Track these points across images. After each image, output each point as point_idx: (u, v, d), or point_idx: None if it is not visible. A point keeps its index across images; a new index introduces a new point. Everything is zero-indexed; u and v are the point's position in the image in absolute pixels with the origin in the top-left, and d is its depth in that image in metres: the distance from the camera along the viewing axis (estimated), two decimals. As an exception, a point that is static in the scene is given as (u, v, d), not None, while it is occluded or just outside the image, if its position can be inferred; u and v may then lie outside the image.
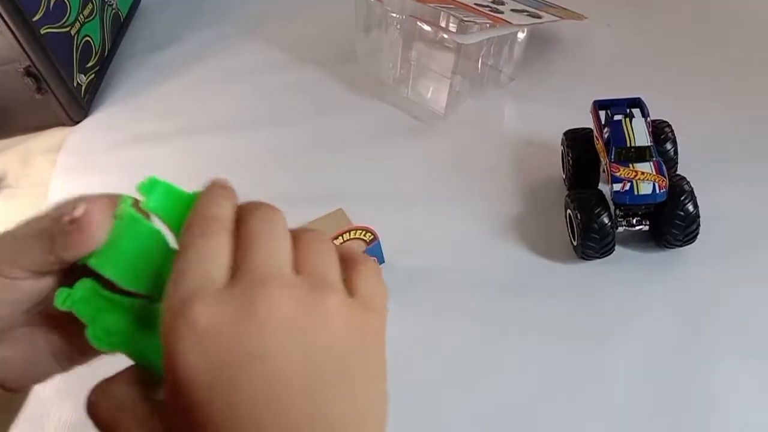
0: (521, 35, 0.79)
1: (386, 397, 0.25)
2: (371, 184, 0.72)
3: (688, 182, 0.57)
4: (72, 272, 0.27)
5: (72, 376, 0.31)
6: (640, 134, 0.58)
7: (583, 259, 0.60)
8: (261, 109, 0.85)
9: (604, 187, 0.61)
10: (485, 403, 0.52)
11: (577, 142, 0.64)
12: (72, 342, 0.29)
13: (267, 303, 0.22)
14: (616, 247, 0.59)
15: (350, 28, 0.88)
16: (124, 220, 0.26)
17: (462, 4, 0.75)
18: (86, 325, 0.26)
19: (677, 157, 0.63)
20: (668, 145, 0.63)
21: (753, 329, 0.54)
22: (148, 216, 0.27)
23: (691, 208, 0.56)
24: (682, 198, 0.56)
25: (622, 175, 0.57)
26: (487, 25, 0.72)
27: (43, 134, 0.86)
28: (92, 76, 0.89)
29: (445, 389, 0.53)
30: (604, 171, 0.62)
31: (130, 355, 0.26)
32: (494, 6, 0.77)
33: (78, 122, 0.87)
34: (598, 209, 0.57)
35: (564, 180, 0.68)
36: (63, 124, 0.87)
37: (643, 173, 0.56)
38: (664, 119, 0.64)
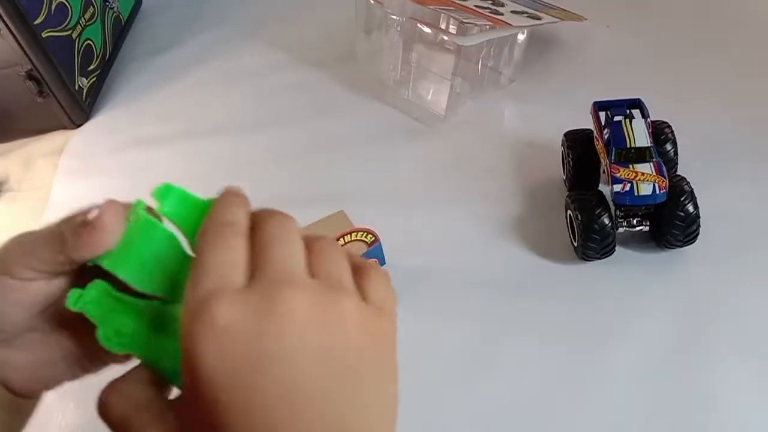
0: (521, 37, 0.80)
1: (397, 400, 0.25)
2: (372, 186, 0.72)
3: (688, 183, 0.58)
4: (83, 275, 0.28)
5: (75, 378, 0.31)
6: (640, 135, 0.58)
7: (584, 259, 0.60)
8: (262, 111, 0.85)
9: (604, 188, 0.61)
10: (485, 403, 0.52)
11: (577, 143, 0.64)
12: (83, 349, 0.30)
13: (285, 303, 0.23)
14: (617, 248, 0.59)
15: (350, 29, 0.88)
16: (139, 223, 0.27)
17: (462, 5, 0.76)
18: (96, 326, 0.26)
19: (677, 158, 0.63)
20: (668, 146, 0.63)
21: (753, 329, 0.54)
22: (161, 220, 0.28)
23: (691, 208, 0.56)
24: (682, 198, 0.56)
25: (623, 176, 0.57)
26: (487, 26, 0.72)
27: (44, 137, 0.87)
28: (93, 79, 0.90)
29: (445, 389, 0.53)
30: (604, 172, 0.62)
31: (139, 356, 0.27)
32: (494, 8, 0.78)
33: (80, 125, 0.87)
34: (599, 210, 0.57)
35: (564, 181, 0.68)
36: (65, 128, 0.87)
37: (643, 174, 0.57)
38: (664, 120, 0.65)
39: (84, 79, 0.87)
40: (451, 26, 0.76)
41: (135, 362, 0.27)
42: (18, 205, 0.78)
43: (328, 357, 0.23)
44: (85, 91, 0.87)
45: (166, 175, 0.86)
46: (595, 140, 0.63)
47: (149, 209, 0.28)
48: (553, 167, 0.69)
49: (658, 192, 0.56)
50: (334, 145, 0.79)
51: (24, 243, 0.27)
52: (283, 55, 0.94)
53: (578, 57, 0.86)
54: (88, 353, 0.30)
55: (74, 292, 0.27)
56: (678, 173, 0.61)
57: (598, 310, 0.57)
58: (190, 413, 0.23)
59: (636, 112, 0.62)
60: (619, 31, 0.88)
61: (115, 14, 0.97)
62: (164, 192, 0.27)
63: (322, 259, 0.26)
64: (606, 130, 0.60)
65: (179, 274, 0.26)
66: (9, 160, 0.84)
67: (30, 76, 0.80)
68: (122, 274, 0.26)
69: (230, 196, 0.27)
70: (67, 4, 0.83)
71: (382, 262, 0.63)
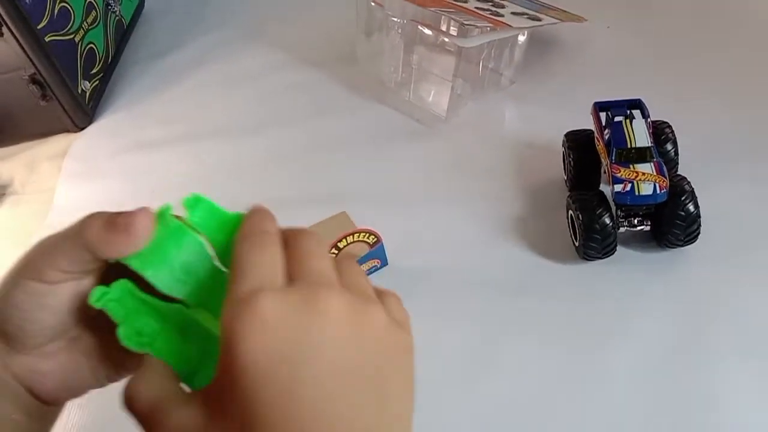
0: (521, 38, 0.80)
1: (412, 413, 0.26)
2: (373, 186, 0.73)
3: (688, 182, 0.58)
4: (108, 278, 0.28)
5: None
6: (640, 135, 0.59)
7: (585, 259, 0.60)
8: (263, 113, 0.86)
9: (605, 188, 0.61)
10: (485, 403, 0.52)
11: (577, 143, 0.64)
12: (107, 356, 0.30)
13: (325, 303, 0.24)
14: (618, 248, 0.59)
15: (351, 31, 0.88)
16: (170, 228, 0.27)
17: (462, 7, 0.76)
18: (118, 325, 0.27)
19: (678, 158, 0.64)
20: (669, 146, 0.63)
21: (753, 329, 0.54)
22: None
23: (691, 208, 0.56)
24: (683, 198, 0.56)
25: (623, 176, 0.57)
26: (488, 28, 0.72)
27: (48, 141, 0.87)
28: (96, 82, 0.90)
29: (445, 389, 0.53)
30: (605, 172, 0.62)
31: (157, 356, 0.27)
32: (494, 9, 0.78)
33: (83, 129, 0.88)
34: (600, 210, 0.57)
35: (565, 181, 0.68)
36: (68, 131, 0.88)
37: (643, 174, 0.57)
38: (665, 120, 0.65)
39: (87, 82, 0.88)
40: (451, 28, 0.76)
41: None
42: (22, 208, 0.79)
43: (362, 359, 0.24)
44: (87, 95, 0.88)
45: (169, 178, 0.87)
46: (595, 140, 0.63)
47: (177, 216, 0.29)
48: (554, 168, 0.69)
49: (658, 192, 0.56)
50: (335, 146, 0.79)
51: (51, 244, 0.27)
52: (284, 57, 0.94)
53: (578, 58, 0.86)
54: (113, 360, 0.30)
55: (98, 289, 0.27)
56: (678, 173, 0.61)
57: (599, 309, 0.57)
58: (218, 405, 0.24)
59: (636, 113, 0.62)
60: (619, 32, 0.89)
61: (117, 18, 0.98)
62: (193, 202, 0.28)
63: (350, 274, 0.27)
64: (606, 131, 0.60)
65: (204, 281, 0.27)
66: (13, 163, 0.85)
67: (33, 80, 0.80)
68: (149, 276, 0.27)
69: (262, 210, 0.29)
70: (69, 8, 0.84)
71: (385, 262, 0.63)
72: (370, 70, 0.86)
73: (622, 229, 0.60)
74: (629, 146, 0.58)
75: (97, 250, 0.27)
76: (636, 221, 0.59)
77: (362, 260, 0.60)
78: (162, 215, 0.28)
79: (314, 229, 0.62)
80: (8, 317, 0.27)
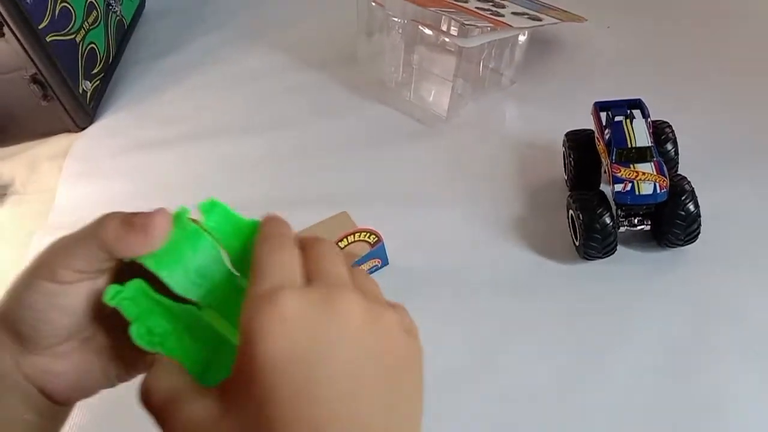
0: (522, 38, 0.80)
1: (421, 418, 0.26)
2: (374, 187, 0.73)
3: (688, 182, 0.58)
4: (122, 279, 0.28)
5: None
6: (640, 135, 0.59)
7: (586, 259, 0.60)
8: (264, 113, 0.86)
9: (605, 188, 0.61)
10: (485, 402, 0.52)
11: (578, 143, 0.65)
12: (119, 357, 0.31)
13: (343, 303, 0.25)
14: (618, 247, 0.59)
15: (352, 32, 0.88)
16: (186, 230, 0.28)
17: (463, 7, 0.76)
18: (130, 323, 0.27)
19: (678, 158, 0.64)
20: (669, 146, 0.63)
21: (753, 328, 0.54)
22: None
23: (692, 207, 0.56)
24: (683, 198, 0.57)
25: (624, 176, 0.57)
26: (488, 28, 0.72)
27: (49, 141, 0.87)
28: (97, 82, 0.90)
29: (446, 389, 0.53)
30: (605, 172, 0.62)
31: (168, 356, 0.28)
32: (495, 9, 0.78)
33: (84, 128, 0.88)
34: (600, 210, 0.58)
35: (566, 181, 0.68)
36: (69, 131, 0.88)
37: (644, 173, 0.57)
38: (665, 120, 0.65)
39: (88, 82, 0.88)
40: (452, 28, 0.77)
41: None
42: (23, 208, 0.79)
43: (377, 361, 0.25)
44: (88, 95, 0.88)
45: (170, 178, 0.87)
46: (596, 140, 0.64)
47: (193, 220, 0.29)
48: (555, 167, 0.69)
49: (659, 191, 0.56)
50: (336, 146, 0.79)
51: (65, 245, 0.28)
52: (284, 57, 0.94)
53: (579, 58, 0.86)
54: (124, 361, 0.31)
55: (112, 288, 0.28)
56: (678, 173, 0.61)
57: (599, 309, 0.57)
58: (234, 399, 0.24)
59: (636, 112, 0.62)
60: (619, 32, 0.89)
61: (118, 18, 0.98)
62: (209, 207, 0.29)
63: (364, 281, 0.28)
64: (607, 131, 0.61)
65: (217, 284, 0.28)
66: (14, 163, 0.85)
67: (34, 80, 0.80)
68: (164, 276, 0.27)
69: (278, 217, 0.29)
70: (70, 8, 0.84)
71: (385, 262, 0.63)
72: (370, 70, 0.86)
73: (622, 229, 0.60)
74: (629, 146, 0.58)
75: (113, 249, 0.27)
76: (636, 221, 0.59)
77: (363, 260, 0.60)
78: (179, 218, 0.28)
79: (315, 229, 0.62)
80: (21, 317, 0.28)
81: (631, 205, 0.58)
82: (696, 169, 0.61)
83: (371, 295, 0.27)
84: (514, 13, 0.78)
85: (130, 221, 0.27)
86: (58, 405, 0.30)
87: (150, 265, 0.27)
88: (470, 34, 0.72)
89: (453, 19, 0.74)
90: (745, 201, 0.64)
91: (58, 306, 0.28)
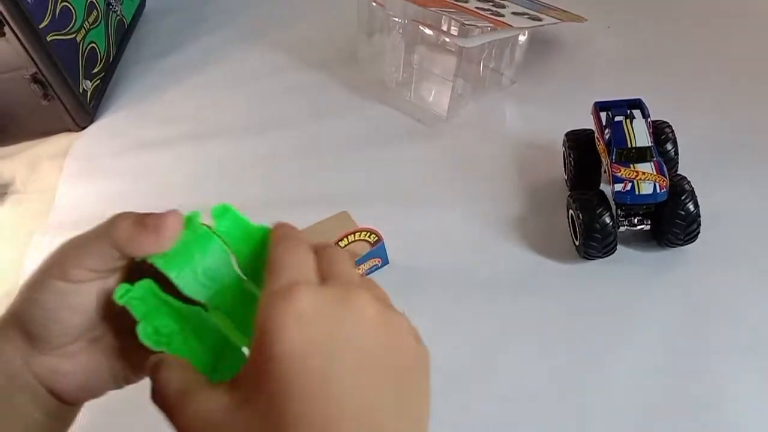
0: (522, 38, 0.80)
1: (428, 422, 0.26)
2: (374, 186, 0.73)
3: (688, 182, 0.58)
4: (132, 279, 0.29)
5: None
6: (640, 135, 0.59)
7: (586, 258, 0.60)
8: (264, 113, 0.86)
9: (605, 188, 0.61)
10: (485, 402, 0.53)
11: (578, 143, 0.65)
12: (128, 358, 0.31)
13: (358, 301, 0.26)
14: (618, 247, 0.60)
15: (352, 32, 0.89)
16: (197, 233, 0.28)
17: (463, 7, 0.76)
18: (138, 321, 0.28)
19: (677, 157, 0.64)
20: (668, 146, 0.63)
21: (753, 327, 0.54)
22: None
23: (691, 207, 0.56)
24: (683, 197, 0.57)
25: (624, 176, 0.57)
26: (488, 28, 0.72)
27: (49, 140, 0.87)
28: (98, 82, 0.90)
29: (445, 389, 0.53)
30: (605, 171, 0.62)
31: (174, 354, 0.28)
32: (495, 9, 0.78)
33: (84, 128, 0.88)
34: (600, 209, 0.58)
35: (566, 181, 0.68)
36: (69, 130, 0.88)
37: (644, 173, 0.57)
38: (665, 120, 0.65)
39: (88, 82, 0.88)
40: (452, 28, 0.77)
41: None
42: (23, 207, 0.79)
43: (389, 360, 0.25)
44: (89, 94, 0.88)
45: (170, 178, 0.87)
46: (596, 140, 0.64)
47: (204, 224, 0.30)
48: (555, 167, 0.69)
49: (658, 191, 0.56)
50: (336, 146, 0.79)
51: (77, 244, 0.28)
52: (285, 57, 0.94)
53: (579, 58, 0.86)
54: (131, 362, 0.31)
55: (122, 287, 0.28)
56: (678, 173, 0.61)
57: (599, 308, 0.58)
58: (246, 392, 0.24)
59: (636, 112, 0.62)
60: (619, 32, 0.89)
61: (118, 18, 0.98)
62: (221, 212, 0.29)
63: (374, 286, 0.29)
64: (607, 130, 0.61)
65: (225, 287, 0.29)
66: (14, 163, 0.85)
67: (35, 79, 0.80)
68: (173, 276, 0.28)
69: (290, 224, 0.30)
70: (71, 7, 0.84)
71: (386, 261, 0.63)
72: (371, 70, 0.87)
73: (622, 229, 0.60)
74: (629, 146, 0.58)
75: (125, 248, 0.27)
76: (636, 220, 0.60)
77: (363, 259, 0.61)
78: (190, 220, 0.29)
79: (315, 228, 0.62)
80: (33, 316, 0.28)
81: (631, 204, 0.58)
82: (696, 169, 0.61)
83: (382, 299, 0.27)
84: (514, 13, 0.78)
85: (142, 221, 0.28)
86: (67, 405, 0.30)
87: (160, 265, 0.28)
88: (470, 34, 0.72)
89: (453, 19, 0.74)
90: (744, 201, 0.64)
91: (69, 305, 0.28)
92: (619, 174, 0.58)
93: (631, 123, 0.60)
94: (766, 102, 0.75)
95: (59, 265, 0.28)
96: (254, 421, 0.23)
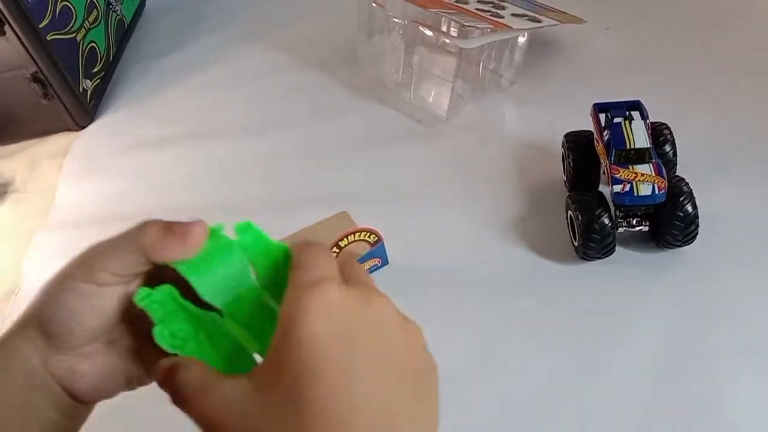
0: (522, 39, 0.80)
1: (438, 428, 0.27)
2: (374, 187, 0.73)
3: (687, 183, 0.58)
4: (152, 284, 0.30)
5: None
6: (639, 136, 0.59)
7: (584, 259, 0.60)
8: (264, 113, 0.86)
9: (604, 189, 0.61)
10: (485, 402, 0.53)
11: (577, 144, 0.65)
12: (142, 361, 0.32)
13: (379, 301, 0.27)
14: (617, 248, 0.60)
15: (352, 32, 0.89)
16: (220, 243, 0.30)
17: (463, 9, 0.76)
18: (155, 324, 0.29)
19: (676, 159, 0.64)
20: (667, 147, 0.64)
21: (751, 327, 0.55)
22: None
23: (690, 208, 0.57)
24: (681, 199, 0.57)
25: (622, 177, 0.58)
26: (488, 29, 0.73)
27: (49, 139, 0.88)
28: (98, 81, 0.90)
29: (445, 389, 0.53)
30: (604, 173, 0.63)
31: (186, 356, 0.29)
32: (495, 11, 0.78)
33: (84, 127, 0.88)
34: (599, 210, 0.58)
35: (565, 182, 0.68)
36: (69, 129, 0.88)
37: (642, 175, 0.57)
38: (663, 122, 0.65)
39: (88, 81, 0.88)
40: (452, 29, 0.77)
41: None
42: (23, 206, 0.79)
43: (407, 361, 0.26)
44: (89, 94, 0.88)
45: (170, 177, 0.87)
46: (595, 142, 0.64)
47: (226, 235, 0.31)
48: (554, 168, 0.70)
49: (657, 192, 0.57)
50: (336, 146, 0.79)
51: (104, 248, 0.29)
52: (285, 57, 0.94)
53: (578, 59, 0.86)
54: (145, 364, 0.32)
55: (143, 290, 0.29)
56: (677, 174, 0.61)
57: (598, 309, 0.58)
58: (267, 379, 0.25)
59: (635, 114, 0.62)
60: (618, 34, 0.89)
61: (118, 17, 0.98)
62: (244, 228, 0.31)
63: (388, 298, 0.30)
64: (606, 132, 0.61)
65: (242, 296, 0.30)
66: (15, 162, 0.85)
67: (35, 79, 0.81)
68: (194, 281, 0.29)
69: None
70: (71, 7, 0.84)
71: (386, 261, 0.63)
72: (371, 71, 0.87)
73: (620, 230, 0.60)
74: (628, 147, 0.59)
75: (151, 253, 0.29)
76: (635, 222, 0.60)
77: (363, 259, 0.61)
78: (214, 232, 0.30)
79: (315, 228, 0.62)
80: (54, 317, 0.29)
81: (629, 205, 0.58)
82: (694, 171, 0.62)
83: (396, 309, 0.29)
84: (513, 15, 0.79)
85: (170, 228, 0.29)
86: (81, 404, 0.31)
87: (182, 270, 0.29)
88: (470, 36, 0.73)
89: (453, 20, 0.74)
90: (742, 202, 0.64)
91: (91, 306, 0.29)
92: (617, 175, 0.58)
93: (630, 124, 0.60)
94: (764, 103, 0.76)
95: (85, 268, 0.29)
96: (277, 403, 0.24)
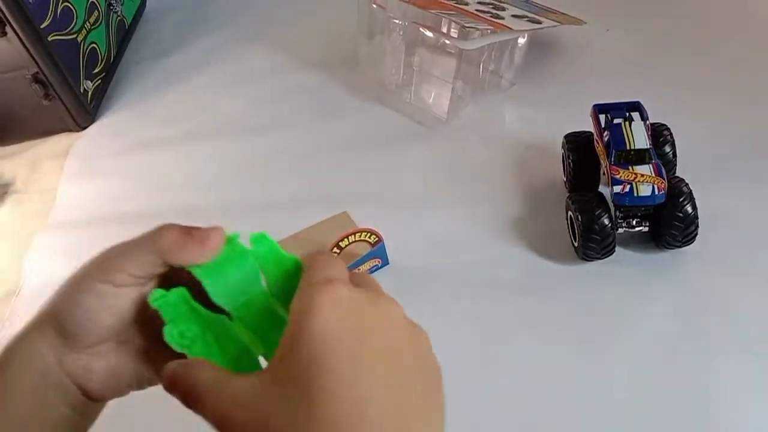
0: (521, 40, 0.80)
1: (443, 426, 0.28)
2: (374, 187, 0.73)
3: (686, 184, 0.58)
4: (165, 286, 0.31)
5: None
6: (639, 137, 0.59)
7: (584, 259, 0.61)
8: (265, 113, 0.86)
9: (604, 189, 0.62)
10: (485, 402, 0.53)
11: (577, 145, 0.65)
12: (153, 361, 0.32)
13: (387, 303, 0.28)
14: (617, 248, 0.60)
15: (353, 33, 0.89)
16: (235, 250, 0.31)
17: (463, 10, 0.77)
18: (166, 323, 0.30)
19: (676, 160, 0.64)
20: (667, 148, 0.64)
21: (750, 328, 0.55)
22: None
23: (689, 209, 0.57)
24: (681, 199, 0.57)
25: (622, 178, 0.58)
26: (488, 30, 0.73)
27: (50, 140, 0.88)
28: (98, 82, 0.91)
29: (445, 389, 0.53)
30: (604, 173, 0.63)
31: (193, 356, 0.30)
32: (495, 12, 0.79)
33: (85, 128, 0.88)
34: (599, 211, 0.58)
35: (565, 182, 0.68)
36: (70, 130, 0.88)
37: (642, 175, 0.57)
38: (663, 122, 0.65)
39: (89, 82, 0.88)
40: (452, 30, 0.77)
41: None
42: (24, 207, 0.79)
43: (414, 362, 0.27)
44: (90, 94, 0.88)
45: (170, 178, 0.87)
46: (595, 142, 0.64)
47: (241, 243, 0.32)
48: (554, 169, 0.70)
49: (657, 193, 0.57)
50: (336, 147, 0.79)
51: (122, 250, 0.30)
52: (285, 58, 0.95)
53: (578, 60, 0.86)
54: (155, 365, 0.32)
55: (157, 291, 0.30)
56: (677, 175, 0.62)
57: (598, 309, 0.58)
58: (277, 372, 0.25)
59: (635, 115, 0.62)
60: (618, 35, 0.89)
61: (119, 18, 0.98)
62: (259, 238, 0.32)
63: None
64: (606, 133, 0.61)
65: (252, 301, 0.31)
66: (15, 162, 0.85)
67: (36, 79, 0.81)
68: (207, 284, 0.30)
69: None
70: (72, 8, 0.84)
71: (386, 262, 0.63)
72: (371, 72, 0.87)
73: (620, 230, 0.60)
74: (628, 148, 0.59)
75: (170, 256, 0.30)
76: (634, 222, 0.60)
77: (363, 259, 0.61)
78: (230, 239, 0.31)
79: (315, 229, 0.62)
80: (71, 316, 0.29)
81: (629, 206, 0.58)
82: (694, 172, 0.62)
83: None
84: (513, 16, 0.79)
85: (189, 232, 0.30)
86: (93, 401, 0.32)
87: (197, 273, 0.30)
88: (470, 37, 0.73)
89: (453, 21, 0.74)
90: (742, 203, 0.64)
91: (108, 306, 0.30)
92: (617, 176, 0.58)
93: (630, 125, 0.60)
94: (764, 104, 0.76)
95: (103, 269, 0.30)
96: (287, 394, 0.24)
